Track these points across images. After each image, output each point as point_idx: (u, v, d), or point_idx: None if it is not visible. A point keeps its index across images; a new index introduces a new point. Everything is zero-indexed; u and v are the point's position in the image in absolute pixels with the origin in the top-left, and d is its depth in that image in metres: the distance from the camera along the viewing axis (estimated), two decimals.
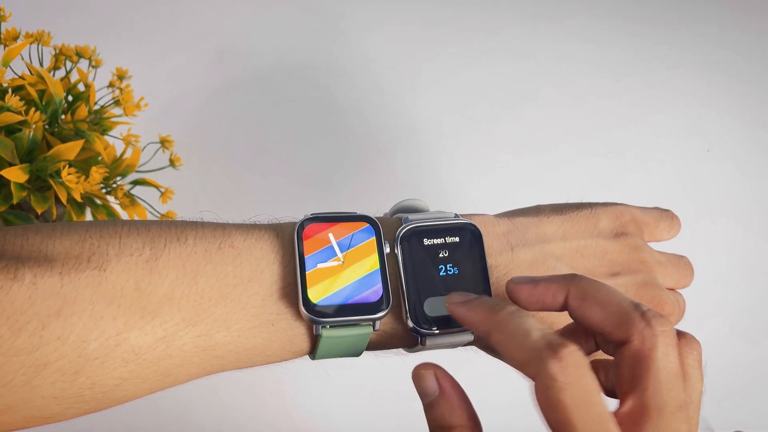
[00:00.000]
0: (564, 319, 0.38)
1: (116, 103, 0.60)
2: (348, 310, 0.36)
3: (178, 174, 0.64)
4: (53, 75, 0.58)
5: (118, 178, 0.61)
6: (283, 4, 0.85)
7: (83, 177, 0.54)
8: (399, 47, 0.85)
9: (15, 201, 0.51)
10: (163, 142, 0.64)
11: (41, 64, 0.59)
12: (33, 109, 0.53)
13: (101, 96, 0.61)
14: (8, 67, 0.54)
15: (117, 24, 0.80)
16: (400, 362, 0.44)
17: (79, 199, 0.55)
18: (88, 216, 0.59)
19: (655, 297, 0.42)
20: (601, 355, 0.36)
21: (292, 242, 0.38)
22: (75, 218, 0.56)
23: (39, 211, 0.53)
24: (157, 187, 0.62)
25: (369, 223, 0.39)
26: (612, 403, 0.32)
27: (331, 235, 0.38)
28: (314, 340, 0.37)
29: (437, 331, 0.38)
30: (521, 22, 0.88)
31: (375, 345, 0.40)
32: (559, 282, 0.35)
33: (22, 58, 0.58)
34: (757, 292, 0.78)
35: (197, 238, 0.36)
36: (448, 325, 0.38)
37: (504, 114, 0.83)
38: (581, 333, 0.37)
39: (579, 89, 0.85)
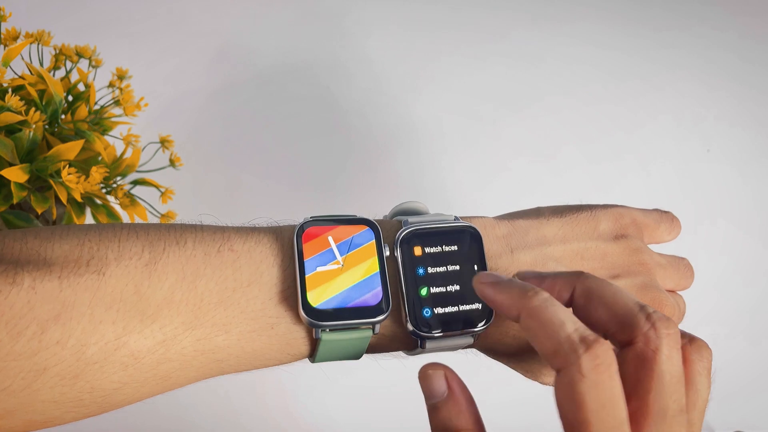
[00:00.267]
0: None
1: (116, 103, 0.60)
2: (348, 314, 0.36)
3: (178, 174, 0.64)
4: (53, 75, 0.58)
5: (118, 178, 0.61)
6: (283, 4, 0.85)
7: (83, 177, 0.54)
8: (400, 48, 0.85)
9: (15, 201, 0.51)
10: (163, 142, 0.64)
11: (41, 64, 0.59)
12: (33, 109, 0.53)
13: (101, 96, 0.61)
14: (8, 67, 0.54)
15: (117, 24, 0.80)
16: (400, 363, 0.44)
17: (79, 199, 0.54)
18: (88, 216, 0.59)
19: (655, 299, 0.42)
20: None
21: (291, 245, 0.38)
22: (75, 218, 0.56)
23: (39, 211, 0.53)
24: (157, 187, 0.62)
25: (368, 225, 0.39)
26: None
27: (330, 238, 0.38)
28: (314, 343, 0.37)
29: (437, 334, 0.38)
30: (523, 25, 0.88)
31: (375, 348, 0.40)
32: (566, 279, 0.35)
33: (22, 58, 0.58)
34: (757, 293, 0.78)
35: (196, 242, 0.36)
36: (448, 327, 0.38)
37: (505, 115, 0.83)
38: None
39: (581, 91, 0.85)
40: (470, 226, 0.40)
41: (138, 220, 0.59)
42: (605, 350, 0.29)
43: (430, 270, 0.39)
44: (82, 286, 0.32)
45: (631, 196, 0.80)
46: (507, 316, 0.34)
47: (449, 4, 0.88)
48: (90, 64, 0.60)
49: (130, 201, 0.59)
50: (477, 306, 0.39)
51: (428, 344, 0.38)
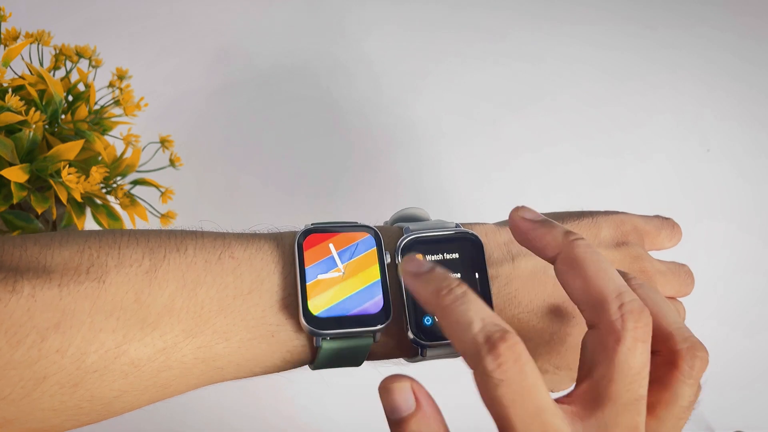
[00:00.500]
0: None
1: (116, 103, 0.60)
2: (348, 322, 0.36)
3: (178, 174, 0.63)
4: (53, 75, 0.58)
5: (118, 178, 0.61)
6: (283, 4, 0.85)
7: (83, 177, 0.54)
8: (400, 48, 0.85)
9: (15, 201, 0.51)
10: (163, 142, 0.63)
11: (41, 64, 0.59)
12: (33, 109, 0.52)
13: (101, 96, 0.61)
14: (8, 67, 0.54)
15: (117, 24, 0.80)
16: (399, 368, 0.43)
17: (79, 199, 0.54)
18: (88, 216, 0.59)
19: None
20: None
21: (292, 252, 0.37)
22: (75, 218, 0.56)
23: (39, 211, 0.53)
24: (157, 187, 0.62)
25: (370, 233, 0.39)
26: None
27: (331, 246, 0.38)
28: (314, 350, 0.37)
29: (438, 343, 0.38)
30: (523, 25, 0.88)
31: (375, 355, 0.40)
32: (556, 238, 0.35)
33: (22, 58, 0.58)
34: (758, 293, 0.78)
35: (197, 249, 0.36)
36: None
37: (505, 115, 0.83)
38: None
39: (580, 91, 0.85)
40: (471, 234, 0.40)
41: (138, 220, 0.59)
42: (509, 346, 0.28)
43: None
44: (82, 294, 0.32)
45: (631, 195, 0.80)
46: (428, 313, 0.34)
47: (449, 4, 0.87)
48: (90, 64, 0.60)
49: (130, 201, 0.59)
50: None
51: (429, 352, 0.38)
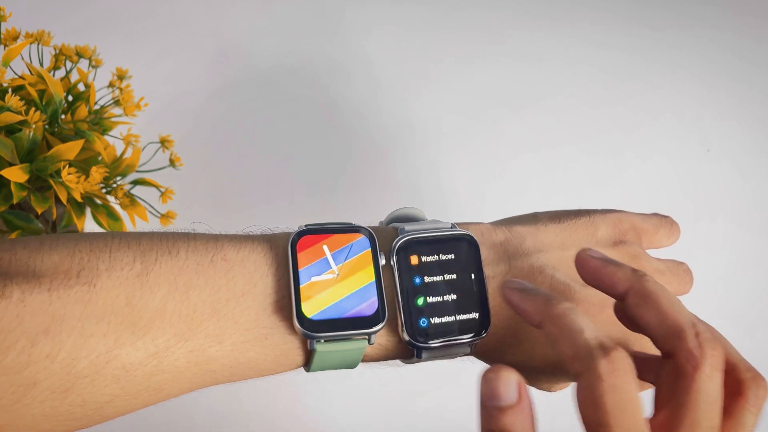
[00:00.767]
0: None
1: (116, 103, 0.59)
2: (343, 325, 0.36)
3: (178, 174, 0.63)
4: (53, 75, 0.58)
5: (118, 178, 0.60)
6: (283, 4, 0.85)
7: (83, 177, 0.54)
8: (400, 48, 0.85)
9: (15, 201, 0.51)
10: (163, 142, 0.63)
11: (41, 64, 0.59)
12: (33, 109, 0.52)
13: (101, 96, 0.61)
14: (8, 67, 0.54)
15: (117, 24, 0.80)
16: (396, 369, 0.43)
17: (79, 199, 0.54)
18: (88, 216, 0.59)
19: None
20: None
21: (285, 254, 0.37)
22: (75, 218, 0.56)
23: (39, 211, 0.53)
24: (157, 187, 0.62)
25: (364, 234, 0.38)
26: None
27: (325, 247, 0.37)
28: (309, 353, 0.37)
29: (433, 345, 0.37)
30: (523, 25, 0.87)
31: (370, 357, 0.39)
32: (627, 274, 0.35)
33: (22, 58, 0.58)
34: (758, 292, 0.78)
35: (189, 251, 0.36)
36: (444, 337, 0.38)
37: (505, 115, 0.82)
38: None
39: (581, 91, 0.84)
40: (467, 234, 0.40)
41: (138, 220, 0.59)
42: (622, 357, 0.30)
43: (426, 279, 0.38)
44: (72, 299, 0.32)
45: (631, 195, 0.80)
46: (530, 323, 0.35)
47: (449, 4, 0.87)
48: (90, 64, 0.60)
49: (130, 201, 0.59)
50: (474, 315, 0.39)
51: (425, 354, 0.38)
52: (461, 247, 0.40)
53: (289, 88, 0.81)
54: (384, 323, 0.37)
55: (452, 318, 0.38)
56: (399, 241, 0.38)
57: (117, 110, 0.62)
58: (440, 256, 0.39)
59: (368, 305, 0.37)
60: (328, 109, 0.81)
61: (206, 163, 0.76)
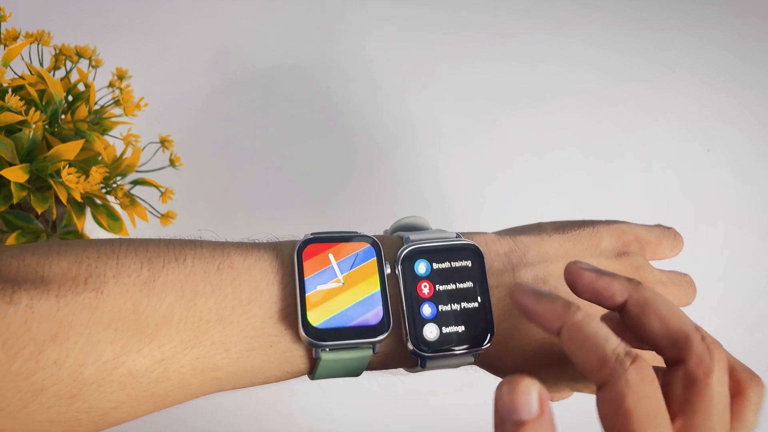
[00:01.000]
0: None
1: (116, 103, 0.59)
2: (348, 333, 0.36)
3: (178, 174, 0.63)
4: (53, 75, 0.58)
5: (118, 178, 0.60)
6: (283, 4, 0.85)
7: (83, 177, 0.53)
8: (400, 48, 0.85)
9: (15, 201, 0.51)
10: (163, 142, 0.63)
11: (41, 64, 0.58)
12: (33, 109, 0.52)
13: (101, 96, 0.61)
14: (8, 67, 0.54)
15: (117, 24, 0.80)
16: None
17: (79, 199, 0.54)
18: (89, 216, 0.59)
19: None
20: None
21: (291, 263, 0.37)
22: (75, 218, 0.56)
23: (39, 211, 0.53)
24: (157, 187, 0.62)
25: (369, 243, 0.38)
26: None
27: (331, 256, 0.37)
28: (313, 361, 0.37)
29: (438, 354, 0.38)
30: (523, 25, 0.87)
31: (375, 366, 0.40)
32: (623, 283, 0.35)
33: (22, 58, 0.58)
34: (758, 293, 0.78)
35: (196, 259, 0.36)
36: (449, 347, 0.38)
37: (505, 116, 0.83)
38: None
39: (581, 92, 0.85)
40: (471, 244, 0.40)
41: (138, 220, 0.59)
42: (648, 365, 0.30)
43: (431, 288, 0.39)
44: (80, 305, 0.32)
45: (632, 196, 0.80)
46: (545, 328, 0.34)
47: (449, 4, 0.87)
48: (90, 64, 0.60)
49: (130, 201, 0.59)
50: (478, 325, 0.39)
51: (429, 363, 0.38)
52: (466, 256, 0.40)
53: (289, 88, 0.81)
54: (389, 332, 0.37)
55: (456, 328, 0.38)
56: (404, 251, 0.39)
57: (117, 110, 0.62)
58: (445, 265, 0.39)
59: (373, 314, 0.37)
60: (328, 109, 0.81)
61: (206, 163, 0.76)
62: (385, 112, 0.81)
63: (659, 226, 0.47)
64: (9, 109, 0.51)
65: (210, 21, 0.83)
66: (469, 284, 0.39)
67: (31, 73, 0.55)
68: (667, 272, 0.45)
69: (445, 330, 0.38)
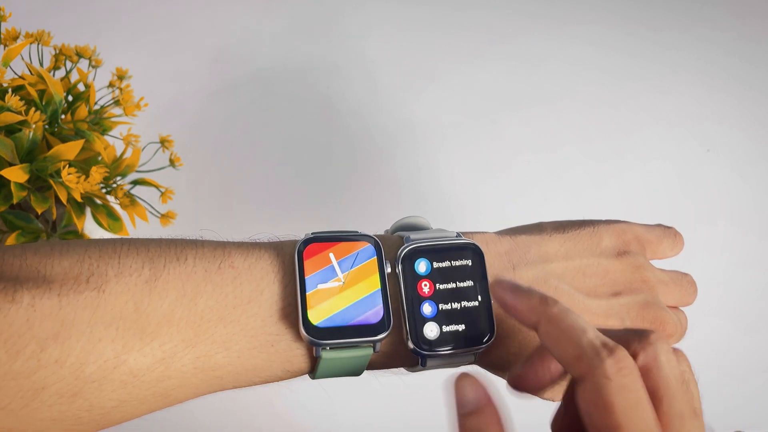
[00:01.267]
0: None
1: (116, 103, 0.59)
2: (348, 332, 0.36)
3: (178, 174, 0.63)
4: (53, 75, 0.58)
5: (118, 178, 0.60)
6: (283, 4, 0.85)
7: (83, 177, 0.54)
8: (400, 49, 0.85)
9: (15, 201, 0.51)
10: (163, 142, 0.63)
11: (41, 64, 0.58)
12: (33, 109, 0.52)
13: (101, 96, 0.61)
14: (8, 67, 0.54)
15: (117, 24, 0.80)
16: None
17: (79, 199, 0.54)
18: (89, 216, 0.59)
19: (657, 317, 0.42)
20: None
21: (292, 262, 0.37)
22: (75, 218, 0.56)
23: (39, 211, 0.53)
24: (157, 187, 0.62)
25: (370, 242, 0.39)
26: None
27: (331, 255, 0.38)
28: (314, 360, 0.37)
29: (438, 353, 0.38)
30: (524, 25, 0.87)
31: (375, 365, 0.40)
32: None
33: (22, 58, 0.58)
34: (758, 293, 0.78)
35: (197, 258, 0.36)
36: (449, 346, 0.38)
37: (506, 116, 0.83)
38: None
39: (581, 92, 0.85)
40: (472, 243, 0.40)
41: (138, 220, 0.59)
42: (626, 356, 0.29)
43: (431, 287, 0.39)
44: (81, 304, 0.32)
45: (632, 196, 0.80)
46: (524, 322, 0.34)
47: (449, 4, 0.87)
48: (90, 64, 0.60)
49: (130, 201, 0.59)
50: (478, 324, 0.39)
51: (429, 362, 0.38)
52: (466, 256, 0.40)
53: (289, 88, 0.81)
54: (389, 331, 0.37)
55: (457, 327, 0.38)
56: (404, 250, 0.39)
57: (117, 110, 0.62)
58: (445, 264, 0.39)
59: (374, 313, 0.37)
60: (328, 109, 0.81)
61: (206, 163, 0.76)
62: (385, 112, 0.81)
63: (660, 225, 0.47)
64: (9, 109, 0.51)
65: (210, 21, 0.83)
66: (469, 283, 0.39)
67: (31, 73, 0.56)
68: (669, 271, 0.45)
69: (445, 329, 0.38)
